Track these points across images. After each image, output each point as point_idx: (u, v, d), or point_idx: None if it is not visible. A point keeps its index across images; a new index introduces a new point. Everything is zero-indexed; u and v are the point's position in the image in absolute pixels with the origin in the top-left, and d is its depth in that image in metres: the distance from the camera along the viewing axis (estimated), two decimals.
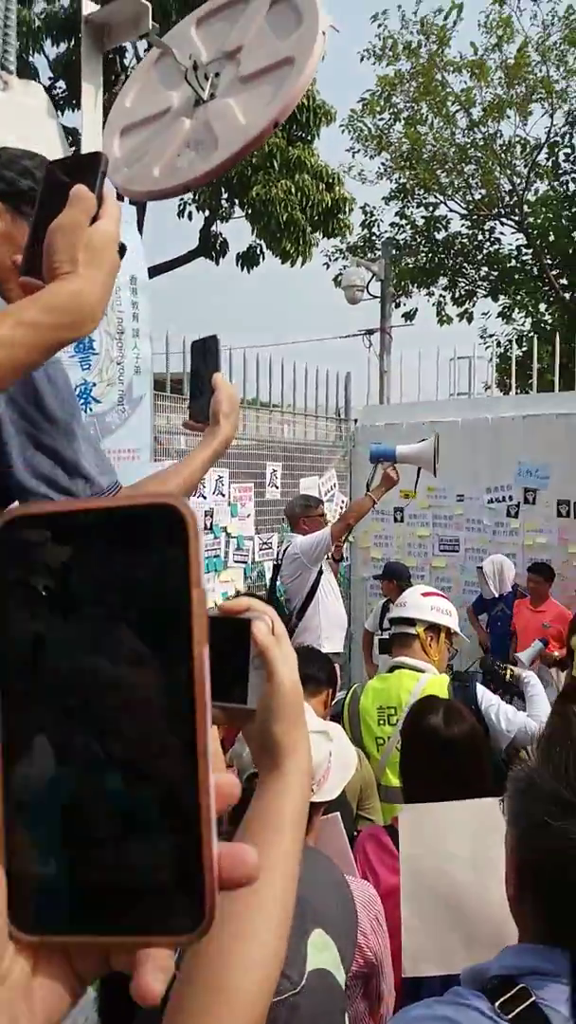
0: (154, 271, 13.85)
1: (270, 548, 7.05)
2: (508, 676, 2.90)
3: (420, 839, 1.55)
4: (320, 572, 5.15)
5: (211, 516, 6.49)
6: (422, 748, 2.03)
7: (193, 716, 0.33)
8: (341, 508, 8.04)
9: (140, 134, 2.00)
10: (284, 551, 5.67)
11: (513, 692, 2.87)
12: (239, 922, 0.69)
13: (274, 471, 7.37)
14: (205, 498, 6.46)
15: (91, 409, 2.14)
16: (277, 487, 7.37)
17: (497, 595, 6.83)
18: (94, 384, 2.17)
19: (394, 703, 2.76)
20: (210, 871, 0.33)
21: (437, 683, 2.75)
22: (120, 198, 2.96)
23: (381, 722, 2.77)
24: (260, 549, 7.04)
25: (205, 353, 1.60)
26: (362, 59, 16.16)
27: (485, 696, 2.74)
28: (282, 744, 0.77)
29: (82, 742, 0.34)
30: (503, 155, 15.96)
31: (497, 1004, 0.96)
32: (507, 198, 16.34)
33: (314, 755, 1.70)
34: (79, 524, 0.35)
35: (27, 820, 0.34)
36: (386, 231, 16.80)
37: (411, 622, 2.96)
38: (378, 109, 15.99)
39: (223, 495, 6.66)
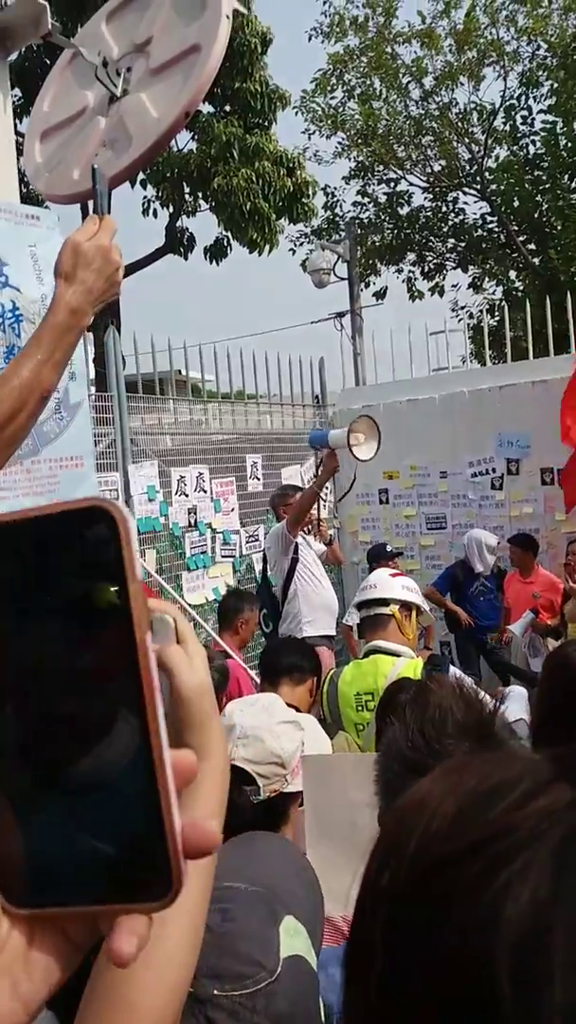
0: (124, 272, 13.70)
1: (257, 540, 7.02)
2: None
3: (324, 787, 1.61)
4: (295, 560, 5.16)
5: (195, 513, 6.46)
6: None
7: (142, 697, 0.36)
8: (326, 495, 8.00)
9: (59, 137, 1.95)
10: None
11: None
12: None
13: (255, 463, 7.32)
14: (187, 496, 6.42)
15: None
16: (259, 479, 7.33)
17: (480, 570, 6.76)
18: None
19: (371, 689, 2.75)
20: (174, 842, 0.36)
21: (411, 667, 2.75)
22: (42, 203, 2.91)
23: (359, 708, 2.77)
24: (247, 542, 7.01)
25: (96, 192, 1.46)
26: (310, 38, 16.03)
27: (458, 678, 2.73)
28: (190, 749, 0.74)
29: (40, 728, 0.37)
30: (459, 123, 15.84)
31: None
32: (467, 167, 16.22)
33: (286, 746, 1.68)
34: (17, 532, 0.38)
35: (7, 805, 0.38)
36: (349, 211, 16.70)
37: (384, 602, 2.95)
38: (330, 88, 15.84)
39: (205, 491, 6.62)
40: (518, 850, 0.40)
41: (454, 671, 2.78)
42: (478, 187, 16.08)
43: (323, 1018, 1.02)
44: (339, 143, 16.35)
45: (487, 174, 15.76)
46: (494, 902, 0.39)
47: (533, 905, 0.38)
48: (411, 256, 16.69)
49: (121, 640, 0.36)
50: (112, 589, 0.37)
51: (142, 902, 0.37)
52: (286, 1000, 0.86)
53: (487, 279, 15.88)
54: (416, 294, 16.67)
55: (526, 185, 14.96)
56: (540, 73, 15.44)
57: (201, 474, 6.59)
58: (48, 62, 10.33)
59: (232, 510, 6.90)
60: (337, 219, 16.59)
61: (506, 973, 0.37)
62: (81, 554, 0.37)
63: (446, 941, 0.39)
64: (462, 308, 16.42)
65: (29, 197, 3.41)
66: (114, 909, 0.37)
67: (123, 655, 0.36)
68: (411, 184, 16.55)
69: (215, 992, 0.82)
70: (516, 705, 2.83)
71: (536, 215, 15.07)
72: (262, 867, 1.06)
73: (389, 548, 6.74)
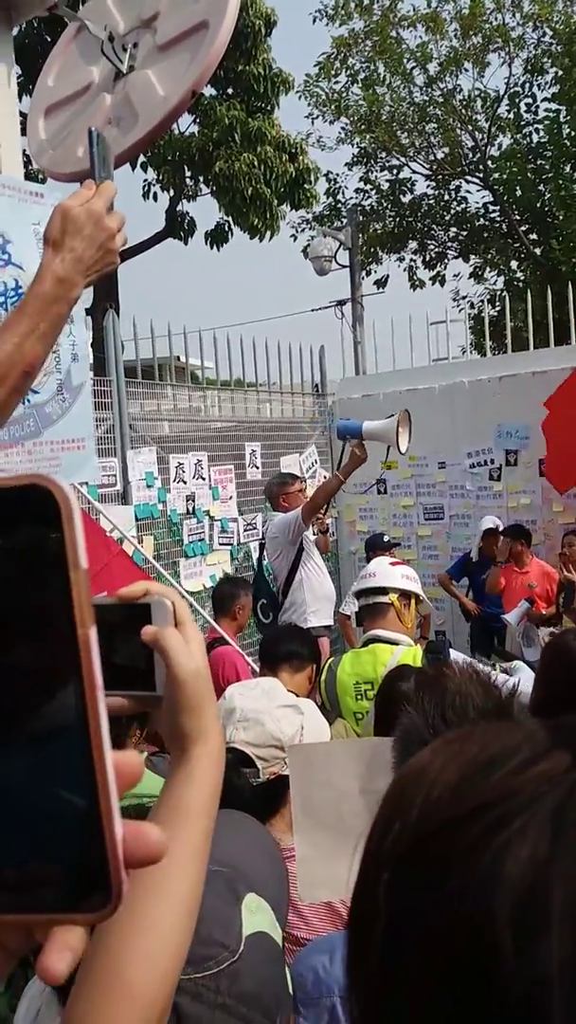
0: (122, 256, 13.62)
1: (255, 528, 7.02)
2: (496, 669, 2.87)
3: (310, 776, 1.62)
4: (300, 550, 5.13)
5: (193, 500, 6.46)
6: (394, 715, 2.01)
7: (83, 698, 0.34)
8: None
9: (64, 113, 1.91)
10: (267, 530, 5.66)
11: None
12: (140, 914, 0.68)
13: (253, 451, 7.31)
14: (186, 483, 6.41)
15: (29, 400, 2.05)
16: (258, 467, 7.31)
17: (472, 556, 6.77)
18: None
19: (370, 678, 2.75)
20: (114, 849, 0.34)
21: (410, 655, 2.75)
22: (45, 180, 2.88)
23: (358, 697, 2.77)
24: (245, 530, 7.00)
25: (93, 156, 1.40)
26: (315, 20, 15.89)
27: (466, 662, 2.73)
28: (186, 732, 0.77)
29: None
30: (463, 111, 15.73)
31: None
32: (470, 155, 16.14)
33: (286, 729, 1.68)
34: None
35: None
36: (351, 198, 16.61)
37: (383, 591, 2.95)
38: (334, 72, 15.72)
39: (204, 479, 6.61)
40: (518, 812, 0.41)
41: (455, 655, 2.78)
42: (481, 175, 15.99)
43: (290, 991, 1.02)
44: (342, 129, 16.25)
45: (490, 162, 15.67)
46: (494, 861, 0.40)
47: (532, 862, 0.39)
48: (413, 244, 16.60)
49: (61, 635, 0.33)
50: (50, 577, 0.33)
51: (79, 912, 0.34)
52: (251, 978, 0.87)
53: (488, 269, 15.82)
54: (417, 283, 16.61)
55: (529, 174, 14.89)
56: (545, 60, 15.34)
57: (200, 461, 6.58)
58: (49, 39, 10.23)
59: (230, 498, 6.89)
60: (339, 206, 16.50)
61: (506, 927, 0.38)
62: (14, 540, 0.33)
63: (447, 902, 0.40)
64: (463, 298, 16.39)
65: (30, 175, 3.37)
66: (49, 919, 0.35)
67: (64, 651, 0.33)
68: (414, 172, 16.47)
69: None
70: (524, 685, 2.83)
71: (538, 205, 15.01)
72: (225, 845, 1.06)
73: (386, 538, 6.73)
